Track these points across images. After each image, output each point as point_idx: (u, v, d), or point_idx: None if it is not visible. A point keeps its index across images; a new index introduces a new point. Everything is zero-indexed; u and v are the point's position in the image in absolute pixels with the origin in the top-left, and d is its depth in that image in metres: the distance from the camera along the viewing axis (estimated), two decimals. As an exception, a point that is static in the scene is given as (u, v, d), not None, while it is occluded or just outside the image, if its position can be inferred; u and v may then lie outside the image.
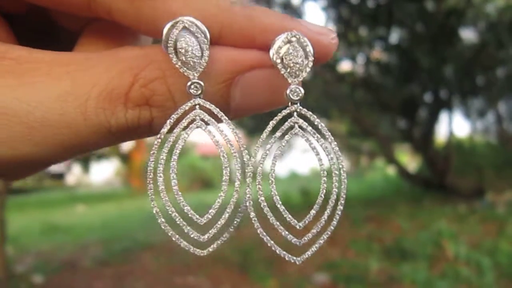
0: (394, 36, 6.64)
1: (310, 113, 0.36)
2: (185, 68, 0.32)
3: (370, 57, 6.82)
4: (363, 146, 10.50)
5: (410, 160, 11.72)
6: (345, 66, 7.09)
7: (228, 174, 0.34)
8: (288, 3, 6.40)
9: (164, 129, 0.33)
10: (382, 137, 7.42)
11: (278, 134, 0.37)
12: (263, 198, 0.35)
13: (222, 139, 0.35)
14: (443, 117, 8.43)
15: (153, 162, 0.33)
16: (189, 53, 0.32)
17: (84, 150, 0.34)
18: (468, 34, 6.95)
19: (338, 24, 6.55)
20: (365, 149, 10.53)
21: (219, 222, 0.34)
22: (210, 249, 0.34)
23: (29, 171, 0.40)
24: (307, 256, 0.35)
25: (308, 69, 0.34)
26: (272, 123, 0.36)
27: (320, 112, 7.95)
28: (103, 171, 19.16)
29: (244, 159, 0.34)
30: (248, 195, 0.34)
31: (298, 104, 0.35)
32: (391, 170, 10.35)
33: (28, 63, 0.31)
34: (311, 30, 0.35)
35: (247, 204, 0.34)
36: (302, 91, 0.35)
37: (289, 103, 0.35)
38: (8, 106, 0.30)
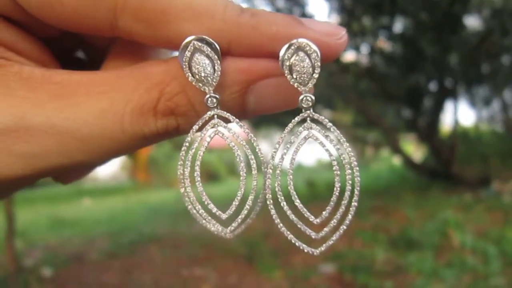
0: (398, 25, 6.59)
1: (323, 117, 0.38)
2: (200, 84, 0.36)
3: (374, 46, 6.77)
4: (368, 137, 10.46)
5: (415, 150, 11.68)
6: (349, 56, 7.05)
7: (245, 174, 0.38)
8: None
9: (189, 138, 0.39)
10: (387, 127, 7.38)
11: (292, 139, 0.39)
12: (281, 193, 0.38)
13: (237, 142, 0.40)
14: (448, 106, 8.40)
15: (181, 165, 0.39)
16: (202, 72, 0.35)
17: (125, 153, 0.40)
18: (472, 22, 6.88)
19: (341, 14, 6.51)
20: (370, 140, 10.48)
21: (239, 217, 0.39)
22: (236, 233, 0.40)
23: (81, 174, 0.50)
24: (324, 248, 0.38)
25: (316, 75, 0.36)
26: (287, 130, 0.38)
27: (325, 103, 7.93)
28: (109, 165, 19.24)
29: (259, 158, 0.38)
30: (267, 190, 0.38)
31: (311, 110, 0.37)
32: (396, 160, 10.32)
33: (70, 86, 0.36)
34: (318, 32, 0.36)
35: (268, 202, 0.38)
36: (313, 98, 0.37)
37: (302, 110, 0.38)
38: (60, 125, 0.35)
